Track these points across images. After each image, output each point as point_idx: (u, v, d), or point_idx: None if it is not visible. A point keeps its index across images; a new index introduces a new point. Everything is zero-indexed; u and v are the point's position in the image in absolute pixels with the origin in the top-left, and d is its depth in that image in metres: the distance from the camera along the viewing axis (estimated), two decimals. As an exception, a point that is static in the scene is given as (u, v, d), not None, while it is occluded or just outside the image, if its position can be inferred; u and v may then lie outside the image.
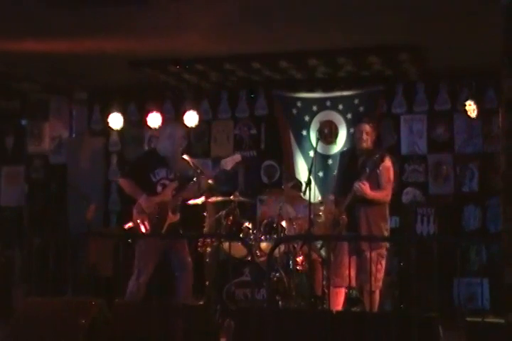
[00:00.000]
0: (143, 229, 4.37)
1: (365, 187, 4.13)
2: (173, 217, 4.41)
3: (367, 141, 4.37)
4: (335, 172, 4.79)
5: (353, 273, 4.08)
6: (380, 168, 4.20)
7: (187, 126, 6.55)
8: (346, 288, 4.27)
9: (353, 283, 4.22)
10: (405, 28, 4.96)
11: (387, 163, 4.30)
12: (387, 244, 4.36)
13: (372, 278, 4.06)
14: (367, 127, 4.40)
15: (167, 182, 4.46)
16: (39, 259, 4.56)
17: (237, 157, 4.53)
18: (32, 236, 5.80)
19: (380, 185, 4.27)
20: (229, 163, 4.44)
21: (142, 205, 4.37)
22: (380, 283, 4.23)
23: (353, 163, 4.38)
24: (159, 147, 4.61)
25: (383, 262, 4.26)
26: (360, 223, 4.24)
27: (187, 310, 3.56)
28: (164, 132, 4.66)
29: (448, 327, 3.19)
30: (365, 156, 4.32)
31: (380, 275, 4.22)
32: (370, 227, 4.24)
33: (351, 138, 6.22)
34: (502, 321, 3.09)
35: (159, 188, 4.44)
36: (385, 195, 4.31)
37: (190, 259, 4.50)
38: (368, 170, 4.14)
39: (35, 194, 7.09)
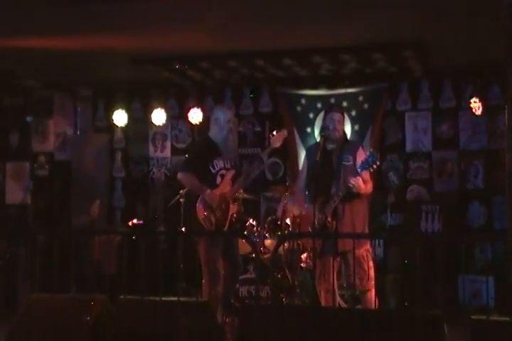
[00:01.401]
0: (209, 225, 4.26)
1: (361, 183, 3.98)
2: (233, 207, 4.37)
3: (339, 130, 4.17)
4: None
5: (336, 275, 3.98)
6: (357, 158, 4.06)
7: (192, 124, 6.57)
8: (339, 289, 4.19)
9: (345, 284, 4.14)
10: (410, 25, 4.94)
11: (363, 153, 4.17)
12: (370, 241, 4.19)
13: (365, 277, 3.96)
14: (338, 116, 4.20)
15: (225, 172, 4.37)
16: (43, 256, 4.57)
17: (283, 132, 4.42)
18: (36, 233, 5.80)
19: (363, 177, 4.03)
20: (277, 140, 4.36)
21: (207, 200, 4.27)
22: (373, 282, 4.03)
23: (326, 157, 4.13)
24: (210, 133, 4.52)
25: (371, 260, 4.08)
26: (344, 220, 4.02)
27: (191, 306, 3.55)
28: (212, 117, 4.56)
29: (452, 324, 3.16)
30: (338, 147, 4.15)
31: (372, 273, 4.04)
32: (354, 224, 4.04)
33: (355, 134, 6.23)
34: (507, 319, 3.07)
35: (218, 179, 4.36)
36: (371, 186, 4.14)
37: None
38: (359, 167, 3.94)
39: (40, 191, 7.12)
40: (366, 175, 4.08)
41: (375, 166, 3.93)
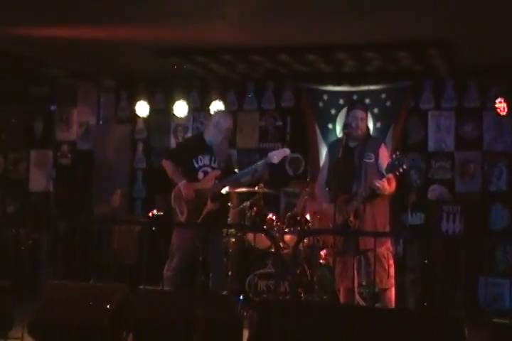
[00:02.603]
0: (179, 214, 4.40)
1: (386, 185, 3.97)
2: (212, 205, 4.41)
3: (362, 128, 4.16)
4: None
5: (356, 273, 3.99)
6: (380, 155, 4.06)
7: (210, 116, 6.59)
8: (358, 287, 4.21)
9: (364, 281, 4.14)
10: (435, 22, 4.88)
11: (386, 150, 4.17)
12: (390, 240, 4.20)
13: (385, 275, 3.97)
14: (361, 113, 4.19)
15: (209, 169, 4.46)
16: (65, 244, 4.62)
17: (285, 151, 4.49)
18: (58, 221, 5.86)
19: (388, 177, 4.00)
20: (276, 156, 4.40)
21: (181, 190, 4.38)
22: (393, 280, 4.05)
23: (348, 154, 4.10)
24: (206, 134, 4.62)
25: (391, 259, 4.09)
26: (365, 220, 4.01)
27: (210, 299, 3.58)
28: (212, 120, 4.67)
29: (472, 327, 3.14)
30: (360, 144, 4.14)
31: (393, 271, 4.05)
32: (376, 223, 4.05)
33: (376, 132, 6.19)
34: (529, 323, 3.04)
35: (201, 175, 4.44)
36: (395, 186, 4.11)
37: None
38: (385, 170, 3.91)
39: (62, 179, 7.20)
40: (391, 175, 4.05)
41: (401, 170, 3.87)
